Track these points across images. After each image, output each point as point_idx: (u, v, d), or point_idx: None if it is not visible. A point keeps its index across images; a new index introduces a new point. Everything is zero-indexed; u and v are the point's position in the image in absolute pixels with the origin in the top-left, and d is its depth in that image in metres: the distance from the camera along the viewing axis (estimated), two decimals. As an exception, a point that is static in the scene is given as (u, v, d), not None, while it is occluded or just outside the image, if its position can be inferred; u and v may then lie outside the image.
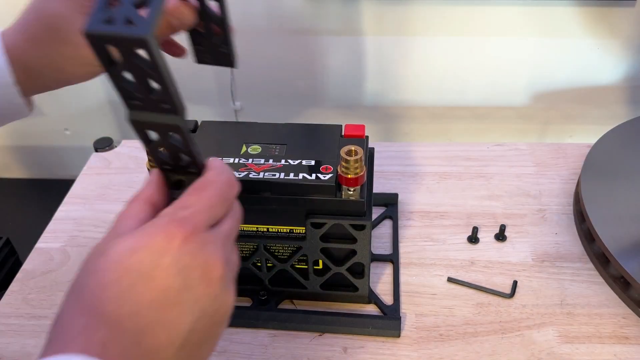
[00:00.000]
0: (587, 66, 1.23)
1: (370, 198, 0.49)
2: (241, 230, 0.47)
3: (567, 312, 0.50)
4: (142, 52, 0.27)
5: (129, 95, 0.29)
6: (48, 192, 1.59)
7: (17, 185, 1.64)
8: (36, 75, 0.41)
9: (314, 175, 0.44)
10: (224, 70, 1.30)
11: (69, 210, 0.64)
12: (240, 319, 0.50)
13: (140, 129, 0.31)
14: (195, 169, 0.33)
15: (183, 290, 0.27)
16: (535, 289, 0.52)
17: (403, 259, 0.56)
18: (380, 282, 0.54)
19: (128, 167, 0.70)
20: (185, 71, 1.38)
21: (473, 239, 0.50)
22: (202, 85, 1.34)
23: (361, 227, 0.46)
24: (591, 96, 1.28)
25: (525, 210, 0.61)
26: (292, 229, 0.47)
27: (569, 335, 0.48)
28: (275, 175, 0.45)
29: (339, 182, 0.44)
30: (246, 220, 0.45)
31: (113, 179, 0.68)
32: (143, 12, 0.26)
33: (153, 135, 0.31)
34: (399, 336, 0.49)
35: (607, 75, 1.24)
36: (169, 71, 0.28)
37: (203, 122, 0.52)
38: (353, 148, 0.42)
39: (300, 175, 0.44)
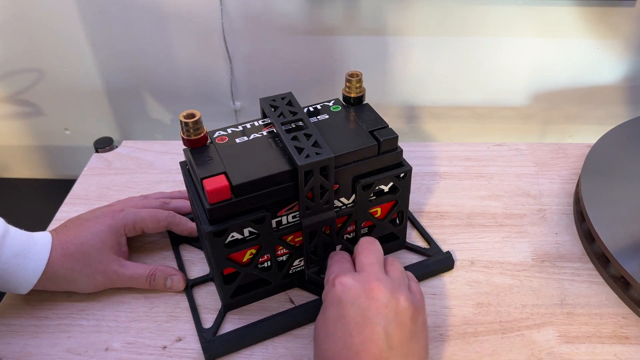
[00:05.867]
0: (587, 66, 1.23)
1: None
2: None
3: (567, 312, 0.50)
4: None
5: (307, 206, 0.46)
6: (48, 192, 1.59)
7: (17, 185, 1.64)
8: (55, 280, 0.51)
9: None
10: (224, 71, 1.30)
11: (70, 211, 0.64)
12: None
13: (307, 230, 0.48)
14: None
15: (367, 310, 0.41)
16: (535, 289, 0.52)
17: (403, 259, 0.56)
18: (381, 282, 0.54)
19: (128, 167, 0.70)
20: (185, 72, 1.38)
21: None
22: (202, 85, 1.34)
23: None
24: (591, 96, 1.28)
25: (525, 210, 0.61)
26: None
27: (569, 335, 0.48)
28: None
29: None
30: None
31: (114, 179, 0.69)
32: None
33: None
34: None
35: (607, 75, 1.24)
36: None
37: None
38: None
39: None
